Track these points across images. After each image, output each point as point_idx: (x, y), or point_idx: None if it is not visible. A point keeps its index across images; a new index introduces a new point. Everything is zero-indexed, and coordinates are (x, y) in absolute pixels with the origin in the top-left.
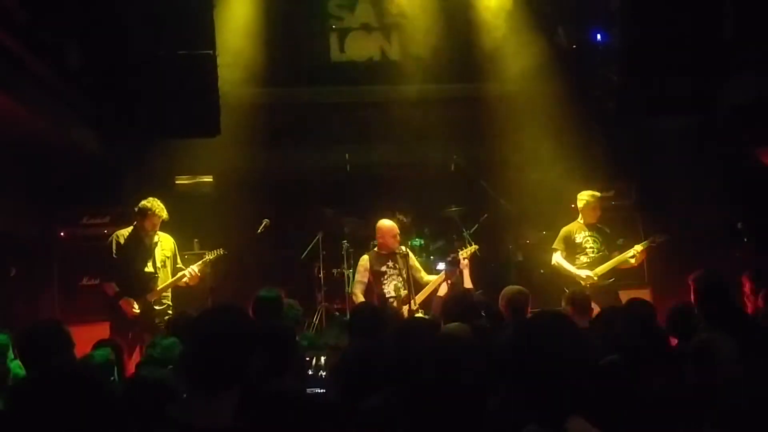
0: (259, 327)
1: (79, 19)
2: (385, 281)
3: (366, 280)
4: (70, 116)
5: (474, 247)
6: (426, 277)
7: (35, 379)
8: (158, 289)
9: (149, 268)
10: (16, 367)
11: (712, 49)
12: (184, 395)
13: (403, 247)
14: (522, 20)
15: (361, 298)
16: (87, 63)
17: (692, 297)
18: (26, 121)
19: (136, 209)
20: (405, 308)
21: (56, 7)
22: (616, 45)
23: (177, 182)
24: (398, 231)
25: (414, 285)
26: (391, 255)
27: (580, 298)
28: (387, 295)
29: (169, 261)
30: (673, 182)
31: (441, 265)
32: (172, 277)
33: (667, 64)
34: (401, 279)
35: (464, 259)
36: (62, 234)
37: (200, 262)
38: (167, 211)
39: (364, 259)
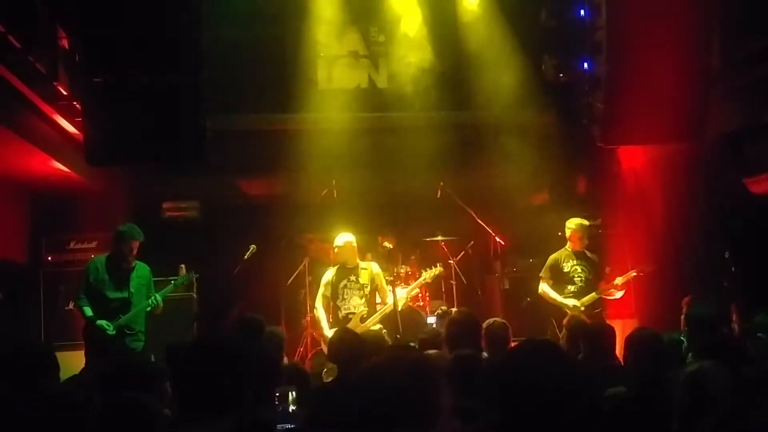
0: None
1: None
2: (344, 296)
3: (328, 293)
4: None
5: (438, 269)
6: (385, 300)
7: (21, 401)
8: (129, 314)
9: (123, 294)
10: None
11: (699, 76)
12: (172, 421)
13: (374, 264)
14: (510, 49)
15: (320, 313)
16: (73, 88)
17: (683, 326)
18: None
19: (113, 234)
20: (362, 326)
21: (45, 32)
22: (602, 73)
23: (164, 208)
24: (355, 245)
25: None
26: (353, 269)
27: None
28: (345, 311)
29: (144, 288)
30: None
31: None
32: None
33: (652, 92)
34: (362, 295)
35: (426, 281)
36: (49, 258)
37: (165, 290)
38: (155, 237)
39: (328, 272)
